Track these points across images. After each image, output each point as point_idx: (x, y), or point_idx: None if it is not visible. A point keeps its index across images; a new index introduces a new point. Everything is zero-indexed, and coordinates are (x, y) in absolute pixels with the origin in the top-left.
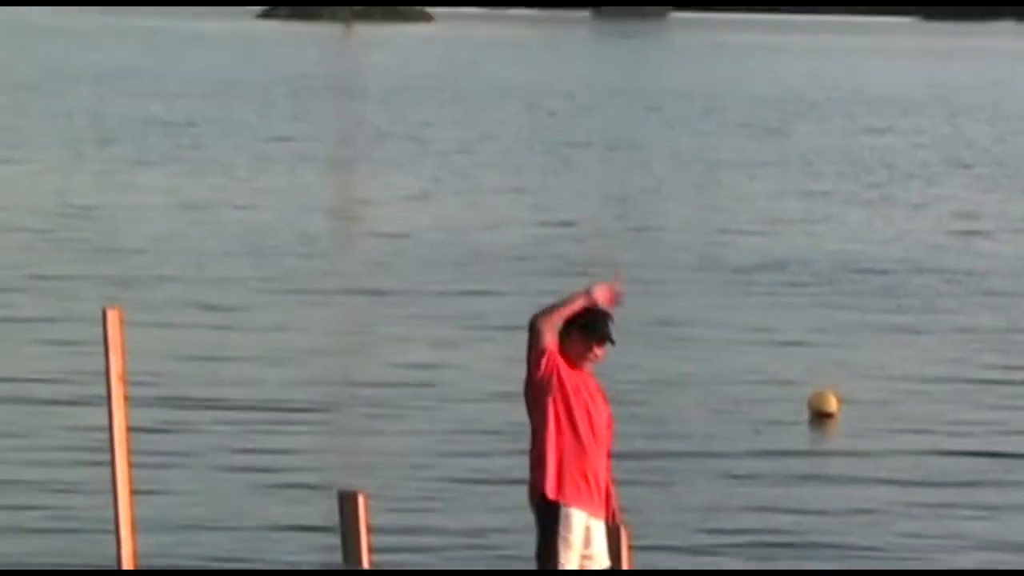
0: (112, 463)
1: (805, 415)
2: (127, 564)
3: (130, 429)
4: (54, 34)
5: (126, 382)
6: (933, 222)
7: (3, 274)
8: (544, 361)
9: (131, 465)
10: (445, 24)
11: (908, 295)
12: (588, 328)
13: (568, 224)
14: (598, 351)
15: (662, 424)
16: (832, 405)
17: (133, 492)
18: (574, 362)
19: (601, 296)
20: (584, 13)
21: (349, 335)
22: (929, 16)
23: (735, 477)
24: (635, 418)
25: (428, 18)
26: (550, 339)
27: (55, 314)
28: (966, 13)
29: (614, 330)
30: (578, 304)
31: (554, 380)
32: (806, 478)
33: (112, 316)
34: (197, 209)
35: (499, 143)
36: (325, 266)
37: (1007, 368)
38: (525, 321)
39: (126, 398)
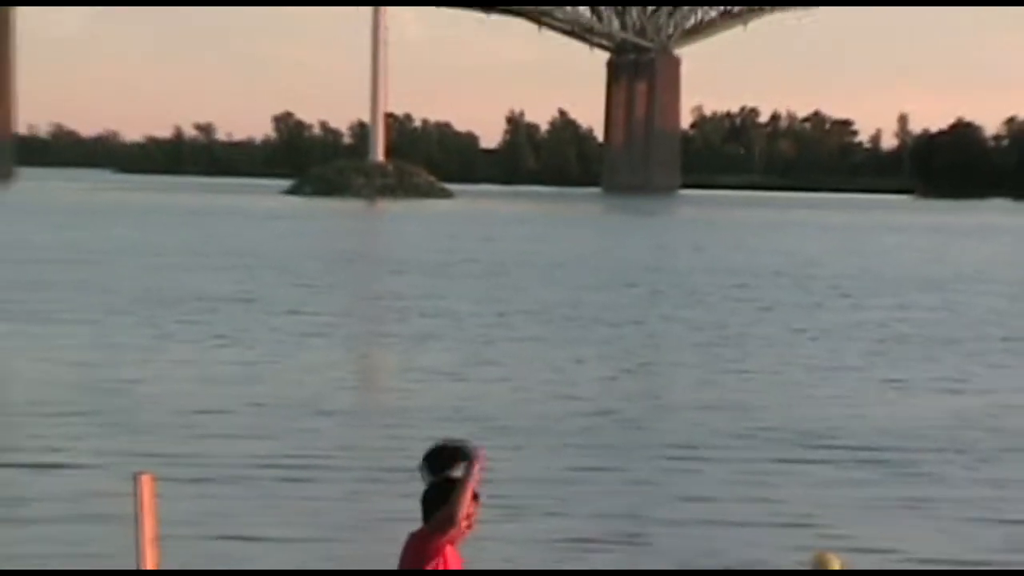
0: None
1: None
2: None
3: None
4: (86, 212)
5: (158, 545)
6: (951, 398)
7: (30, 448)
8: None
9: None
10: (464, 200)
11: (921, 470)
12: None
13: (588, 399)
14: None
15: None
16: (834, 566)
17: None
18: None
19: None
20: (595, 189)
21: (365, 517)
22: (925, 193)
23: None
24: None
25: (448, 194)
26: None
27: (84, 488)
28: (962, 191)
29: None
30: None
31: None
32: None
33: (145, 481)
34: (222, 383)
35: (519, 317)
36: (346, 442)
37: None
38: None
39: (157, 564)
